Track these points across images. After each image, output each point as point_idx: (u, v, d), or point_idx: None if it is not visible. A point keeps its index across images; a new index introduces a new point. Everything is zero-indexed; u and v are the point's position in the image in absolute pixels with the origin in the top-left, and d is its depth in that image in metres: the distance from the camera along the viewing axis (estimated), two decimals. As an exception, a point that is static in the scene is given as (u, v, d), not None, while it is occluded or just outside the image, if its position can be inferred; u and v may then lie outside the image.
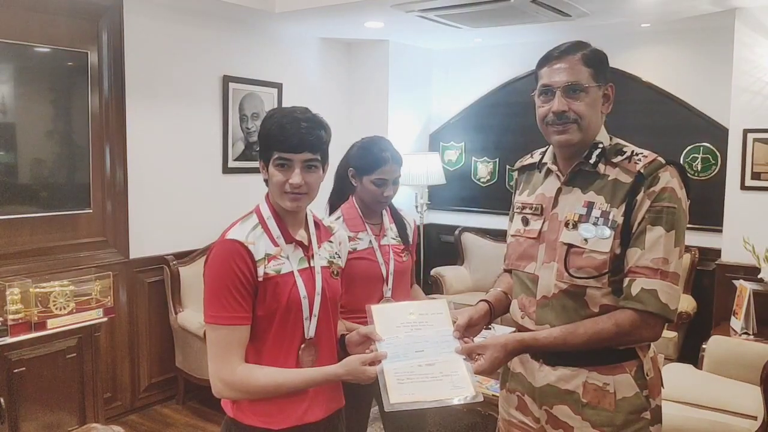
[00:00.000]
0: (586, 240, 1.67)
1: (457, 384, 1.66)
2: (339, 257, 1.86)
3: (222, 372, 1.63)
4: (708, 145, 4.82)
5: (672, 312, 1.62)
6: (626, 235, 1.64)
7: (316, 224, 1.83)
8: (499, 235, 5.69)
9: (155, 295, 4.32)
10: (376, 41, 5.62)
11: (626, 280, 1.63)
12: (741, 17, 4.24)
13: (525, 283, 1.82)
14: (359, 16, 4.64)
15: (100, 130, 3.99)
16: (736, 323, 4.04)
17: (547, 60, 1.74)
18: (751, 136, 4.25)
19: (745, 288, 4.04)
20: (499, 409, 1.98)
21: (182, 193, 4.49)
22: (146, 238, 4.26)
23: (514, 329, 1.89)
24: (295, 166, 1.66)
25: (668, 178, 1.63)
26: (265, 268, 1.65)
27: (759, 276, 3.95)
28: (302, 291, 1.69)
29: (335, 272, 1.81)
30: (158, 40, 4.30)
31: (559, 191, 1.78)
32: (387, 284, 2.45)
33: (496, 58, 5.84)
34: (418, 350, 1.72)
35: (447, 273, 5.61)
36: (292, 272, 1.69)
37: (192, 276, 4.28)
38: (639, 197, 1.63)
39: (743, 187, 4.30)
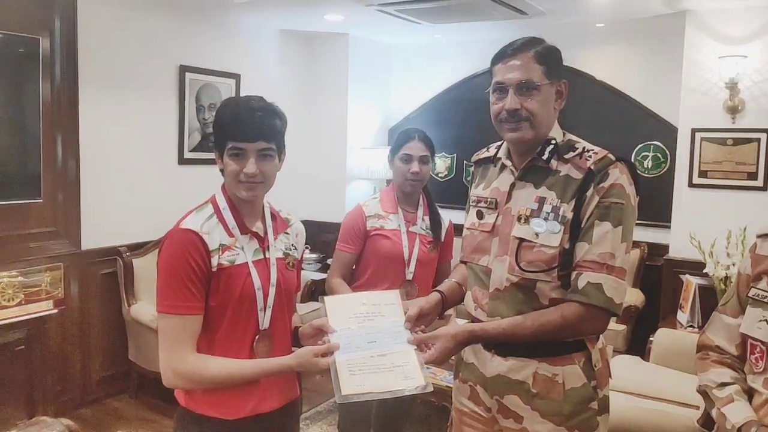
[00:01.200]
0: (537, 234, 1.70)
1: (408, 374, 1.68)
2: (295, 249, 1.85)
3: (173, 362, 1.62)
4: (658, 143, 4.96)
5: (617, 306, 1.65)
6: (576, 230, 1.68)
7: (273, 215, 1.82)
8: (457, 230, 5.74)
9: (108, 287, 4.25)
10: (336, 34, 5.61)
11: (573, 274, 1.67)
12: (691, 19, 4.37)
13: (479, 276, 1.85)
14: (319, 8, 4.63)
15: (52, 119, 3.89)
16: (683, 317, 4.17)
17: (500, 57, 1.75)
18: (699, 136, 4.39)
19: (691, 282, 4.18)
20: (452, 399, 2.01)
21: (137, 183, 4.42)
22: (99, 229, 4.19)
23: (467, 320, 1.92)
24: (249, 155, 1.65)
25: (617, 175, 1.67)
26: (219, 258, 1.64)
27: (704, 271, 4.09)
28: (256, 282, 1.69)
29: (290, 264, 1.81)
30: (113, 27, 4.22)
31: (512, 186, 1.80)
32: (408, 267, 2.60)
33: (456, 54, 5.89)
34: (370, 341, 1.73)
35: (404, 266, 5.65)
36: (247, 263, 1.69)
37: (146, 268, 4.23)
38: (588, 193, 1.67)
39: (691, 184, 4.44)
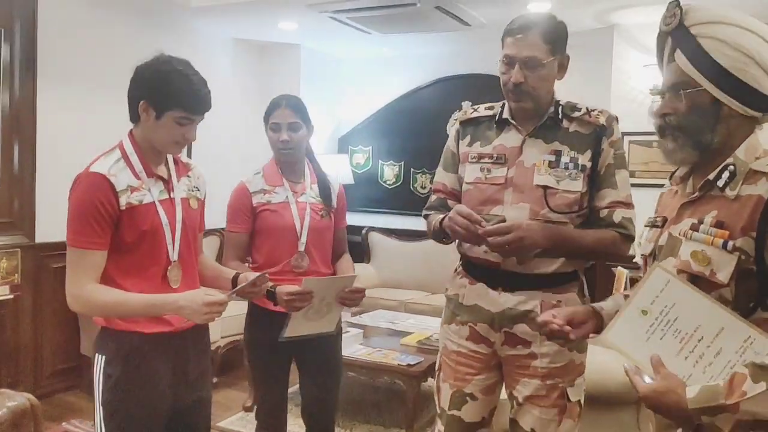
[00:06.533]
0: (558, 182, 1.94)
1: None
2: (197, 190, 2.06)
3: (71, 287, 1.81)
4: (591, 148, 5.31)
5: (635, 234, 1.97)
6: (594, 176, 1.95)
7: (175, 161, 2.02)
8: (404, 235, 5.97)
9: (61, 280, 4.22)
10: (289, 45, 5.82)
11: (605, 211, 1.95)
12: (618, 33, 4.78)
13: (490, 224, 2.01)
14: (274, 15, 4.84)
15: (10, 118, 3.96)
16: (616, 305, 4.46)
17: (510, 32, 1.94)
18: (627, 138, 4.76)
19: (622, 273, 4.48)
20: (441, 343, 2.16)
21: (92, 180, 4.47)
22: (54, 224, 4.18)
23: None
24: (194, 124, 1.89)
25: (618, 129, 1.99)
26: (128, 198, 1.83)
27: (634, 260, 4.40)
28: (163, 219, 1.89)
29: (192, 202, 2.02)
30: (73, 30, 4.33)
31: (523, 142, 2.01)
32: (300, 239, 2.50)
33: (402, 67, 6.18)
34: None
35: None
36: (154, 202, 1.88)
37: (101, 262, 4.26)
38: (604, 145, 1.95)
39: (621, 184, 4.78)
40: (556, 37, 1.95)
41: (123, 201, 1.81)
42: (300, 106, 2.57)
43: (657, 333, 1.36)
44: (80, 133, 4.40)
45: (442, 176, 2.19)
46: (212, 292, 1.85)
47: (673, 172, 1.59)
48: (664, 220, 1.55)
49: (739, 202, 1.37)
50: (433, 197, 2.22)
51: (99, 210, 1.78)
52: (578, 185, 1.94)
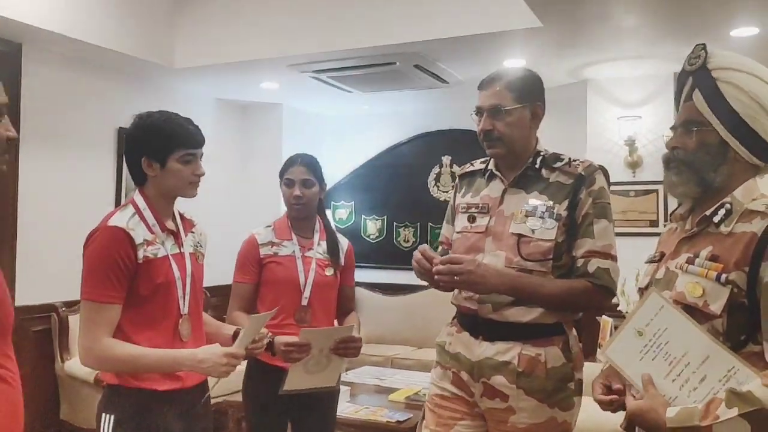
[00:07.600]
0: (533, 231, 1.96)
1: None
2: (201, 246, 2.10)
3: (86, 341, 1.81)
4: (571, 199, 5.40)
5: (616, 288, 1.98)
6: (572, 226, 1.96)
7: (181, 216, 2.06)
8: (388, 289, 5.97)
9: (40, 345, 4.19)
10: (271, 104, 5.91)
11: (581, 261, 1.94)
12: (591, 88, 4.93)
13: None
14: (256, 75, 4.93)
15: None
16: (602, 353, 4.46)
17: (480, 85, 2.06)
18: (605, 189, 4.84)
19: (607, 322, 4.50)
20: (431, 386, 2.14)
21: (75, 242, 4.41)
22: (34, 287, 4.17)
23: None
24: (198, 159, 1.95)
25: (601, 179, 2.00)
26: (144, 251, 1.85)
27: (618, 309, 4.43)
28: (176, 272, 1.92)
29: (199, 258, 2.06)
30: (56, 91, 4.38)
31: (504, 192, 2.06)
32: (304, 293, 2.54)
33: (382, 124, 6.30)
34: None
35: (339, 325, 5.78)
36: (167, 256, 1.91)
37: (82, 324, 4.21)
38: (582, 195, 1.96)
39: (601, 233, 4.85)
40: (522, 85, 2.02)
41: (140, 254, 1.84)
42: (314, 165, 2.63)
43: (649, 354, 1.40)
44: (62, 195, 4.41)
45: (445, 228, 2.25)
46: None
47: (674, 210, 1.66)
48: (662, 255, 1.59)
49: (733, 238, 1.43)
50: (439, 248, 2.27)
51: (118, 263, 1.80)
52: (552, 234, 1.94)
